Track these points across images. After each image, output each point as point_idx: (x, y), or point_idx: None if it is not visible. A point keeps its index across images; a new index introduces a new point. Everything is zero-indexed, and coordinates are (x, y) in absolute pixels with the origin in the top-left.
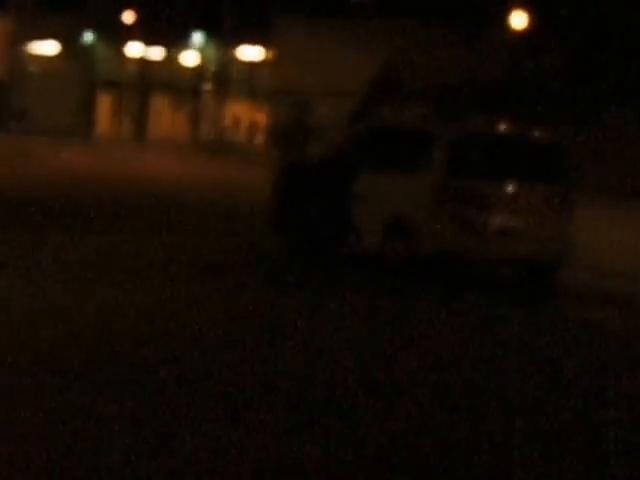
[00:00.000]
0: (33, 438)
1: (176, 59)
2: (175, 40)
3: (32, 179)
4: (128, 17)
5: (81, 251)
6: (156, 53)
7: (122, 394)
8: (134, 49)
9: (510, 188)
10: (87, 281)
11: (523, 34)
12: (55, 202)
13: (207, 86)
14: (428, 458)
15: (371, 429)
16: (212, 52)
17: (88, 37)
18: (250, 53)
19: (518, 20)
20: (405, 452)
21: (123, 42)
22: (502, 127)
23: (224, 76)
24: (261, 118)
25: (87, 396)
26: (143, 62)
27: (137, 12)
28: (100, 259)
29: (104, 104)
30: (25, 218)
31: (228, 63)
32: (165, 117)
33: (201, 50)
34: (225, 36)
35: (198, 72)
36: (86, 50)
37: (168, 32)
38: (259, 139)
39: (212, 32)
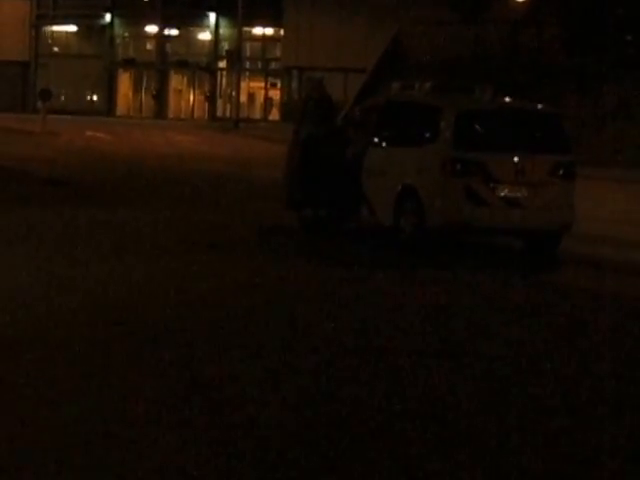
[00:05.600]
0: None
1: (192, 37)
2: (190, 19)
3: (63, 156)
4: None
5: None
6: (173, 32)
7: None
8: (151, 28)
9: (515, 159)
10: (94, 252)
11: (524, 6)
12: (86, 179)
13: (222, 64)
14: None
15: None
16: (226, 30)
17: (107, 17)
18: (263, 31)
19: None
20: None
21: (141, 21)
22: (506, 100)
23: (238, 54)
24: (275, 94)
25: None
26: (160, 41)
27: None
28: (114, 230)
29: (124, 83)
30: (59, 195)
31: (242, 41)
32: (184, 95)
33: (215, 28)
34: (238, 14)
35: (213, 50)
36: (105, 29)
37: (183, 11)
38: (274, 115)
39: (225, 10)
